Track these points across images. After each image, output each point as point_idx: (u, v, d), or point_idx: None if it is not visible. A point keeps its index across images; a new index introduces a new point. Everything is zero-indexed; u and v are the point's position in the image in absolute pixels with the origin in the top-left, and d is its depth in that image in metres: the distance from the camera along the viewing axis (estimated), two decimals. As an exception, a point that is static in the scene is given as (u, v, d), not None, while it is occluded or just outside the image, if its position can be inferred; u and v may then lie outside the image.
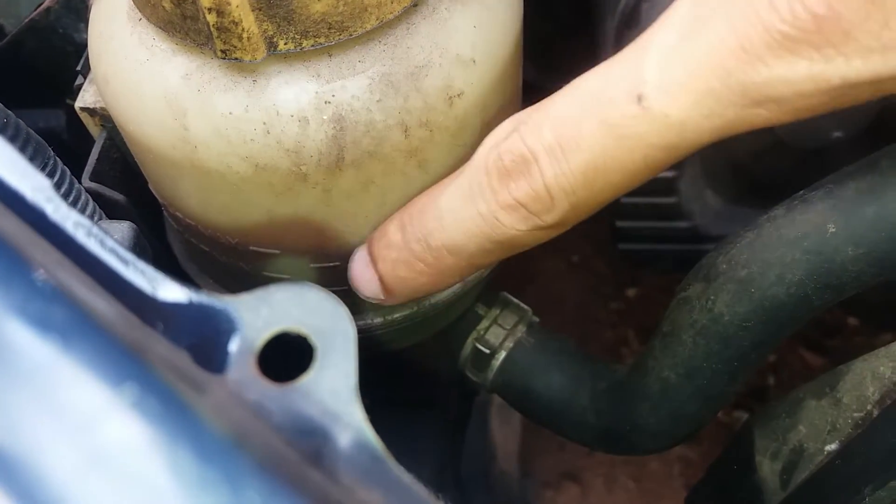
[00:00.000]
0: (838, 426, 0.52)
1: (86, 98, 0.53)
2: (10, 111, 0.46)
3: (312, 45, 0.39)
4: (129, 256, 0.27)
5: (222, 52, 0.39)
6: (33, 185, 0.27)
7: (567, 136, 0.37)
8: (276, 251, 0.47)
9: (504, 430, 1.02)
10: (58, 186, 0.46)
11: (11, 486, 0.20)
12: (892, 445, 0.47)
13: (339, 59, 0.41)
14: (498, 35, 0.45)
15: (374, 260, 0.46)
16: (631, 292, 1.30)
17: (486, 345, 0.62)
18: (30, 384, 0.21)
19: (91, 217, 0.48)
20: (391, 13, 0.40)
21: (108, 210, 0.51)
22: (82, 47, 0.60)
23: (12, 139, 0.45)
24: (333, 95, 0.41)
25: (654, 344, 0.55)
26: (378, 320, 0.53)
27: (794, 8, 0.31)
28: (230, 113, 0.41)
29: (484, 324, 0.62)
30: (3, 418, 0.21)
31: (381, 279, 0.45)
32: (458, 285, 0.53)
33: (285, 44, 0.39)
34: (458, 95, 0.43)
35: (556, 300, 1.27)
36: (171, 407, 0.21)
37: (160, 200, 0.51)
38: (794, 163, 0.82)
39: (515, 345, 0.62)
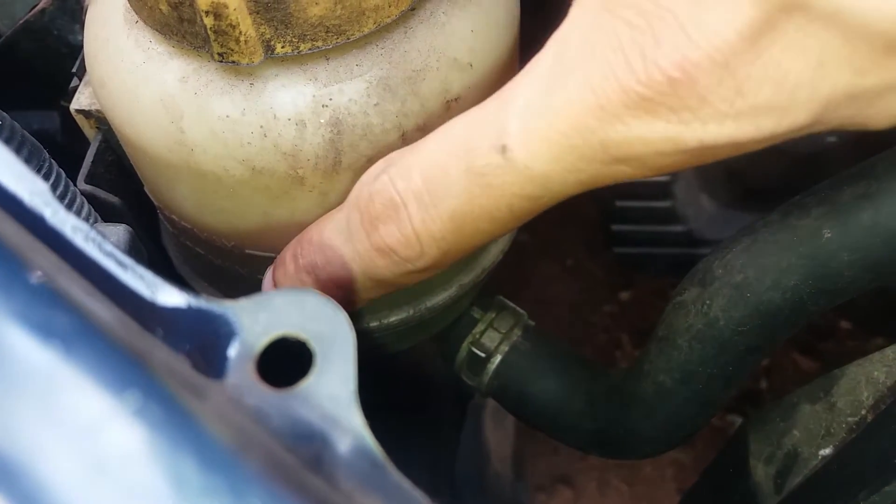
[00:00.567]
0: (833, 431, 0.52)
1: (81, 100, 0.52)
2: (4, 113, 0.46)
3: (310, 49, 0.39)
4: (128, 261, 0.27)
5: (219, 55, 0.38)
6: (31, 189, 0.27)
7: (435, 182, 0.37)
8: (273, 255, 0.47)
9: (498, 433, 1.02)
10: (53, 189, 0.46)
11: (13, 493, 0.20)
12: (887, 450, 0.47)
13: (337, 63, 0.41)
14: (495, 39, 0.45)
15: (276, 285, 0.46)
16: (625, 296, 1.30)
17: (481, 348, 0.62)
18: (31, 391, 0.21)
19: (87, 220, 0.47)
20: (389, 17, 0.40)
21: (103, 213, 0.50)
22: (77, 49, 0.60)
23: (7, 141, 0.45)
24: (331, 99, 0.41)
25: (650, 348, 0.55)
26: (374, 324, 0.53)
27: (650, 70, 0.31)
28: (227, 116, 0.41)
29: (479, 327, 0.62)
30: (4, 425, 0.21)
31: None
32: (454, 288, 0.53)
33: (283, 47, 0.39)
34: (455, 99, 0.43)
35: (551, 303, 1.28)
36: (173, 414, 0.21)
37: (156, 203, 0.51)
38: (788, 167, 0.82)
39: (511, 348, 0.62)
